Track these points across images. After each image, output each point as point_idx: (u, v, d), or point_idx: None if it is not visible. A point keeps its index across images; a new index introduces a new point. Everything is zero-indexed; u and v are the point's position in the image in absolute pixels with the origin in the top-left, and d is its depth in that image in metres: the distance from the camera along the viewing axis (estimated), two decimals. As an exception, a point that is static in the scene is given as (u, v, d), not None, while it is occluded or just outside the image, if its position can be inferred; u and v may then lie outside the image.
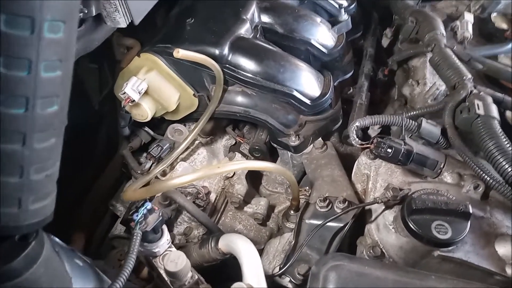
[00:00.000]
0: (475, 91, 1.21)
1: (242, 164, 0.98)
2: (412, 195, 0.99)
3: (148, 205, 0.88)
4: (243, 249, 0.91)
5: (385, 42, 1.77)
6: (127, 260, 0.77)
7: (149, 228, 0.87)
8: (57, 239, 0.82)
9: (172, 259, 0.88)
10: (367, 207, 1.09)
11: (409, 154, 1.03)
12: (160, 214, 0.90)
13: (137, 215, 0.86)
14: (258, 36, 1.39)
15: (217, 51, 1.25)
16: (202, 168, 0.92)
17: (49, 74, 0.48)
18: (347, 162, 1.32)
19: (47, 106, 0.50)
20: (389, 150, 1.02)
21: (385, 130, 1.40)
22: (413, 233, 0.94)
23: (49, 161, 0.54)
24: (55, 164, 0.56)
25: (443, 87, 1.35)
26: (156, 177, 1.27)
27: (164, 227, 0.94)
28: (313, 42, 1.42)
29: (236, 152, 1.41)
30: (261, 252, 1.33)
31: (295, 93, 1.26)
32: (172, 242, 1.27)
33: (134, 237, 0.84)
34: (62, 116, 0.54)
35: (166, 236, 0.94)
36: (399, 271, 0.76)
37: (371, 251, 1.02)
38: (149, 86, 1.25)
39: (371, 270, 0.74)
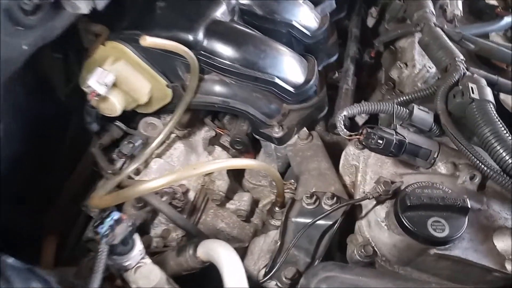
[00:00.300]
0: (468, 73, 1.13)
1: (221, 164, 0.89)
2: (405, 189, 0.91)
3: (115, 214, 0.79)
4: (224, 258, 0.83)
5: (370, 22, 1.68)
6: (91, 281, 0.68)
7: (117, 241, 0.78)
8: (10, 260, 0.72)
9: (144, 274, 0.79)
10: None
11: (401, 145, 0.96)
12: (130, 223, 0.80)
13: (102, 227, 0.77)
14: (235, 19, 1.28)
15: (190, 37, 1.14)
16: (176, 171, 0.83)
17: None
18: (334, 152, 1.24)
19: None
20: (380, 142, 0.94)
21: (373, 116, 1.32)
22: (407, 231, 0.87)
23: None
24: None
25: (433, 69, 1.27)
26: (129, 177, 1.18)
27: (136, 236, 0.85)
28: (295, 24, 1.32)
29: (216, 146, 1.31)
30: (245, 250, 1.26)
31: (277, 81, 1.17)
32: (149, 246, 1.20)
33: (99, 254, 0.74)
34: None
35: (138, 246, 0.85)
36: (397, 280, 0.70)
37: (363, 250, 0.95)
38: (117, 78, 1.14)
39: (366, 280, 0.67)
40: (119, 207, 1.10)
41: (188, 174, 0.92)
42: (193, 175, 1.01)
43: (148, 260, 0.87)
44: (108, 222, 0.78)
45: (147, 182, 0.84)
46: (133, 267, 0.85)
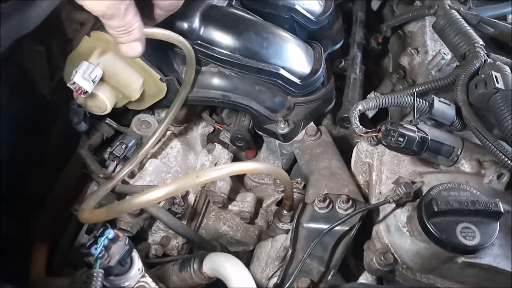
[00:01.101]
0: (489, 60, 1.04)
1: (226, 170, 0.79)
2: (429, 192, 0.83)
3: (110, 232, 0.69)
4: (233, 275, 0.75)
5: (375, 4, 1.58)
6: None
7: (113, 262, 0.69)
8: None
9: (147, 299, 0.70)
10: (373, 205, 0.93)
11: (423, 143, 0.87)
12: (127, 242, 0.71)
13: (96, 248, 0.67)
14: (233, 3, 1.17)
15: (185, 25, 1.03)
16: (176, 180, 0.73)
17: None
18: (342, 147, 1.16)
19: None
20: (401, 139, 0.85)
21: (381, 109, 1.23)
22: (434, 239, 0.79)
23: None
24: None
25: (449, 56, 1.18)
26: (123, 181, 1.08)
27: (134, 253, 0.76)
28: (298, 8, 1.21)
29: (216, 144, 1.21)
30: (250, 254, 1.18)
31: (282, 72, 1.07)
32: (147, 254, 1.11)
33: (94, 278, 0.65)
34: None
35: (137, 265, 0.76)
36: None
37: (383, 258, 0.87)
38: (105, 72, 1.02)
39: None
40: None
41: (190, 183, 0.82)
42: (196, 184, 0.92)
43: (148, 279, 0.78)
44: (102, 241, 0.69)
45: (143, 194, 0.74)
46: (133, 287, 0.77)
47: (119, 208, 0.80)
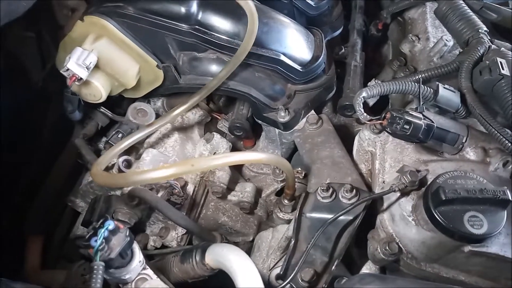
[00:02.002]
0: (493, 46, 1.02)
1: (226, 159, 0.77)
2: (436, 181, 0.81)
3: (110, 224, 0.67)
4: (237, 266, 0.73)
5: (374, -10, 1.54)
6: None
7: (113, 254, 0.66)
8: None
9: (150, 292, 0.68)
10: (377, 194, 0.92)
11: (429, 130, 0.85)
12: (127, 233, 0.68)
13: (96, 240, 0.65)
14: (232, -13, 1.13)
15: (183, 9, 1.00)
16: (174, 164, 0.71)
17: None
18: (343, 136, 1.14)
19: None
20: (407, 127, 0.84)
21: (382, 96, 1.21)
22: (441, 227, 0.78)
23: None
24: None
25: (451, 42, 1.16)
26: (119, 170, 1.05)
27: (135, 245, 0.73)
28: (297, -7, 1.18)
29: (214, 133, 1.18)
30: (250, 245, 1.16)
31: (283, 58, 1.04)
32: (145, 245, 1.09)
33: (95, 271, 0.63)
34: None
35: (138, 257, 0.73)
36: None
37: (387, 247, 0.86)
38: (100, 58, 0.99)
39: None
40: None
41: (187, 171, 0.79)
42: (193, 171, 0.89)
43: (150, 271, 0.76)
44: (102, 233, 0.66)
45: (161, 169, 0.73)
46: (133, 280, 0.74)
47: (133, 179, 0.82)
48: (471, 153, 0.93)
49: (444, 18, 1.13)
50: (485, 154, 0.92)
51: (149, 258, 0.91)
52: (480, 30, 1.05)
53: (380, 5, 1.54)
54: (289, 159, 1.26)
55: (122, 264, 0.71)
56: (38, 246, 1.23)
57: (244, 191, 1.17)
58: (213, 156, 1.03)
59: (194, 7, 1.00)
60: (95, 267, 0.64)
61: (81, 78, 0.95)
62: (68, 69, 0.94)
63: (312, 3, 1.21)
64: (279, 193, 1.22)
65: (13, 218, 1.20)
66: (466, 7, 1.11)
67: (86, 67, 0.95)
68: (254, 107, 1.13)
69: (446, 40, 1.16)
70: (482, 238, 0.77)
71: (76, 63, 0.94)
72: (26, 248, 1.21)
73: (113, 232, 0.67)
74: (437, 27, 1.26)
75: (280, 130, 1.16)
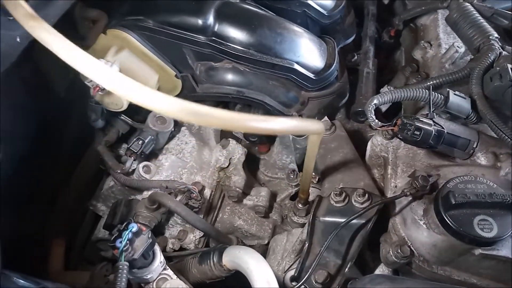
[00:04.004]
0: (504, 53, 1.04)
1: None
2: (446, 185, 0.83)
3: (133, 226, 0.71)
4: (253, 267, 0.76)
5: (386, -3, 1.56)
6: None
7: (137, 255, 0.71)
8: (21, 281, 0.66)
9: (169, 290, 0.72)
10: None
11: (439, 136, 0.87)
12: (150, 235, 0.73)
13: (121, 242, 0.69)
14: (246, -1, 1.18)
15: (200, 21, 1.04)
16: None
17: None
18: (355, 141, 1.16)
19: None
20: (417, 133, 0.86)
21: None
22: (451, 231, 0.80)
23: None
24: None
25: (462, 49, 1.18)
26: (140, 175, 1.09)
27: (156, 247, 0.78)
28: (310, 2, 1.22)
29: (230, 139, 1.22)
30: (265, 248, 1.19)
31: (297, 67, 1.07)
32: (164, 248, 1.13)
33: (120, 270, 0.67)
34: None
35: (159, 258, 0.77)
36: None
37: (399, 250, 0.88)
38: (121, 69, 1.03)
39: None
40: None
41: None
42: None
43: (170, 272, 0.80)
44: (126, 235, 0.70)
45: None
46: (155, 279, 0.79)
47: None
48: (481, 158, 0.94)
49: (455, 25, 1.15)
50: (496, 159, 0.93)
51: (168, 260, 0.95)
52: (491, 37, 1.07)
53: (392, 12, 1.57)
54: (302, 164, 1.29)
55: (144, 264, 0.75)
56: (61, 249, 1.29)
57: (259, 195, 1.20)
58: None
59: (210, 19, 1.05)
60: (120, 266, 0.68)
61: (104, 88, 1.00)
62: (92, 80, 0.99)
63: (324, 12, 1.24)
64: (293, 197, 1.25)
65: (37, 222, 1.26)
66: (477, 14, 1.13)
67: (109, 78, 1.00)
68: (268, 113, 1.16)
69: (458, 46, 1.18)
70: (492, 241, 0.79)
71: (99, 74, 0.99)
72: (49, 251, 1.27)
73: (137, 234, 0.72)
74: (448, 33, 1.28)
75: (293, 136, 1.19)
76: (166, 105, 0.58)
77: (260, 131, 0.63)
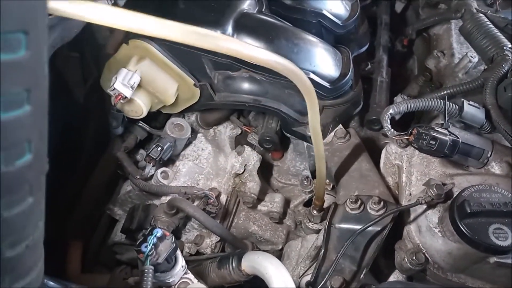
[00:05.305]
0: (518, 63, 1.05)
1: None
2: (461, 194, 0.85)
3: (158, 231, 0.73)
4: (272, 272, 0.78)
5: (399, 6, 1.59)
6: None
7: (161, 259, 0.73)
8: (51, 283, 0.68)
9: (193, 294, 0.74)
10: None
11: (455, 146, 0.89)
12: (173, 240, 0.75)
13: (146, 246, 0.72)
14: (263, 10, 1.20)
15: (219, 32, 1.07)
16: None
17: (12, 113, 0.31)
18: (370, 149, 1.18)
19: (14, 159, 0.33)
20: (433, 143, 0.88)
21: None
22: (467, 239, 0.81)
23: (28, 228, 0.38)
24: (37, 227, 0.40)
25: (476, 59, 1.19)
26: (158, 181, 1.12)
27: (178, 251, 0.80)
28: (325, 13, 1.24)
29: (245, 146, 1.25)
30: (279, 253, 1.21)
31: (312, 76, 1.10)
32: (181, 251, 1.15)
33: (145, 274, 0.69)
34: (39, 165, 0.38)
35: (181, 262, 0.80)
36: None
37: (414, 258, 0.89)
38: (142, 78, 1.07)
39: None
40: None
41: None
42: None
43: (191, 276, 0.82)
44: (151, 239, 0.73)
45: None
46: (176, 283, 0.81)
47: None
48: (496, 167, 0.96)
49: (469, 36, 1.17)
50: (510, 169, 0.95)
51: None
52: (504, 47, 1.08)
53: (405, 21, 1.59)
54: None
55: (167, 268, 0.78)
56: (79, 252, 1.32)
57: (273, 202, 1.22)
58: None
59: (229, 30, 1.07)
60: (146, 270, 0.70)
61: (126, 97, 1.03)
62: (114, 89, 1.02)
63: (339, 22, 1.27)
64: (307, 203, 1.27)
65: (55, 225, 1.29)
66: (491, 25, 1.15)
67: (131, 87, 1.03)
68: (284, 121, 1.19)
69: (471, 56, 1.19)
70: (507, 249, 0.80)
71: (121, 83, 1.02)
72: (67, 255, 1.30)
73: (161, 239, 0.74)
74: (462, 43, 1.30)
75: (308, 144, 1.21)
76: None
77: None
